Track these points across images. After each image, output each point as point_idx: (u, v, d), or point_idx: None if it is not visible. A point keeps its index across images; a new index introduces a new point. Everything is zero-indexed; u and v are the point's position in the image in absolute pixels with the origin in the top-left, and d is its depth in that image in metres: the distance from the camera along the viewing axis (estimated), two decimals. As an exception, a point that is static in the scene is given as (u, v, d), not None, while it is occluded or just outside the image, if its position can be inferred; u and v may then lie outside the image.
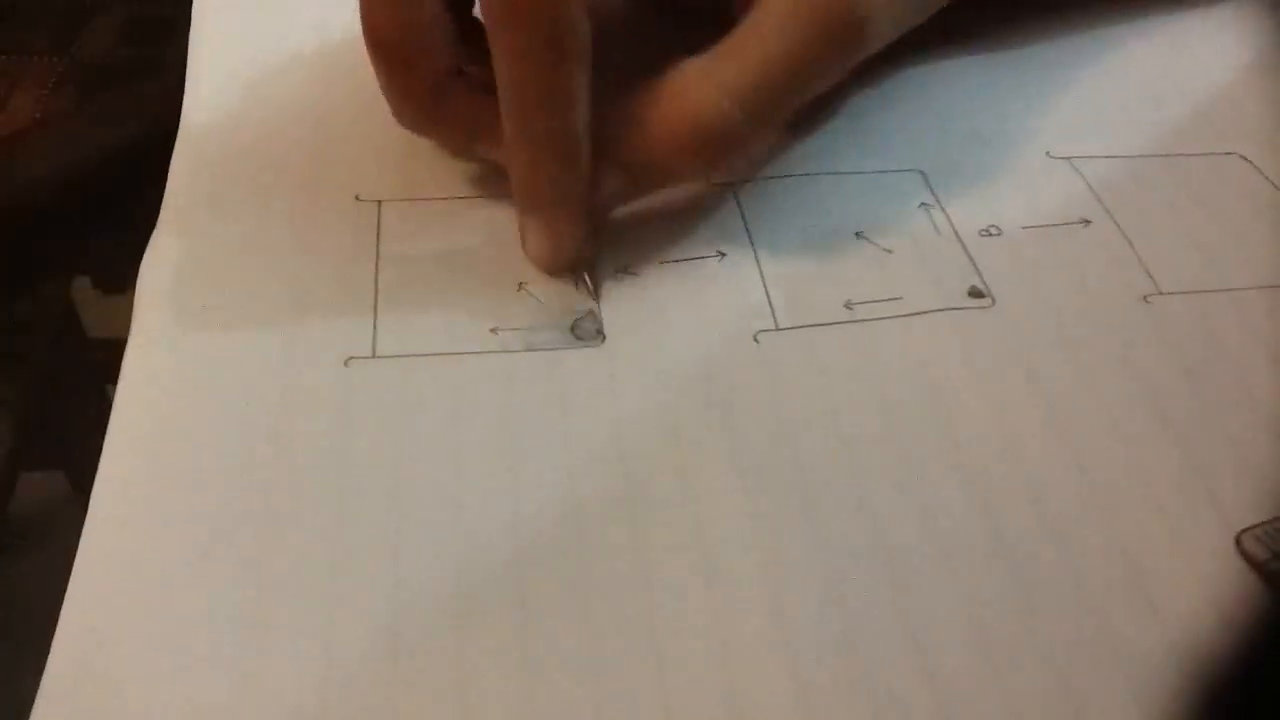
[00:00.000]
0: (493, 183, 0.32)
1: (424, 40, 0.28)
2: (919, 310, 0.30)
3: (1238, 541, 0.25)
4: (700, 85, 0.28)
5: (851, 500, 0.26)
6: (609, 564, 0.24)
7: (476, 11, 0.30)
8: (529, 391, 0.27)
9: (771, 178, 0.33)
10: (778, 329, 0.29)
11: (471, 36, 0.29)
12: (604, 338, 0.29)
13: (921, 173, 0.33)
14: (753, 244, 0.31)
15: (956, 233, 0.32)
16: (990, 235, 0.32)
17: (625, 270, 0.30)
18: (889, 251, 0.31)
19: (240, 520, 0.25)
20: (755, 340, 0.29)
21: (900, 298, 0.30)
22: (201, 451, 0.26)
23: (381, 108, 0.31)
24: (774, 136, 0.34)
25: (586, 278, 0.30)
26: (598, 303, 0.29)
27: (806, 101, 0.29)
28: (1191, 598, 0.24)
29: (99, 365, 0.38)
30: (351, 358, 0.28)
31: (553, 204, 0.29)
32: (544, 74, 0.27)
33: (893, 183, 0.33)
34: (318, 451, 0.26)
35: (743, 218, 0.32)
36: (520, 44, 0.26)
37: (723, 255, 0.31)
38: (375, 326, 0.28)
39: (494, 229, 0.31)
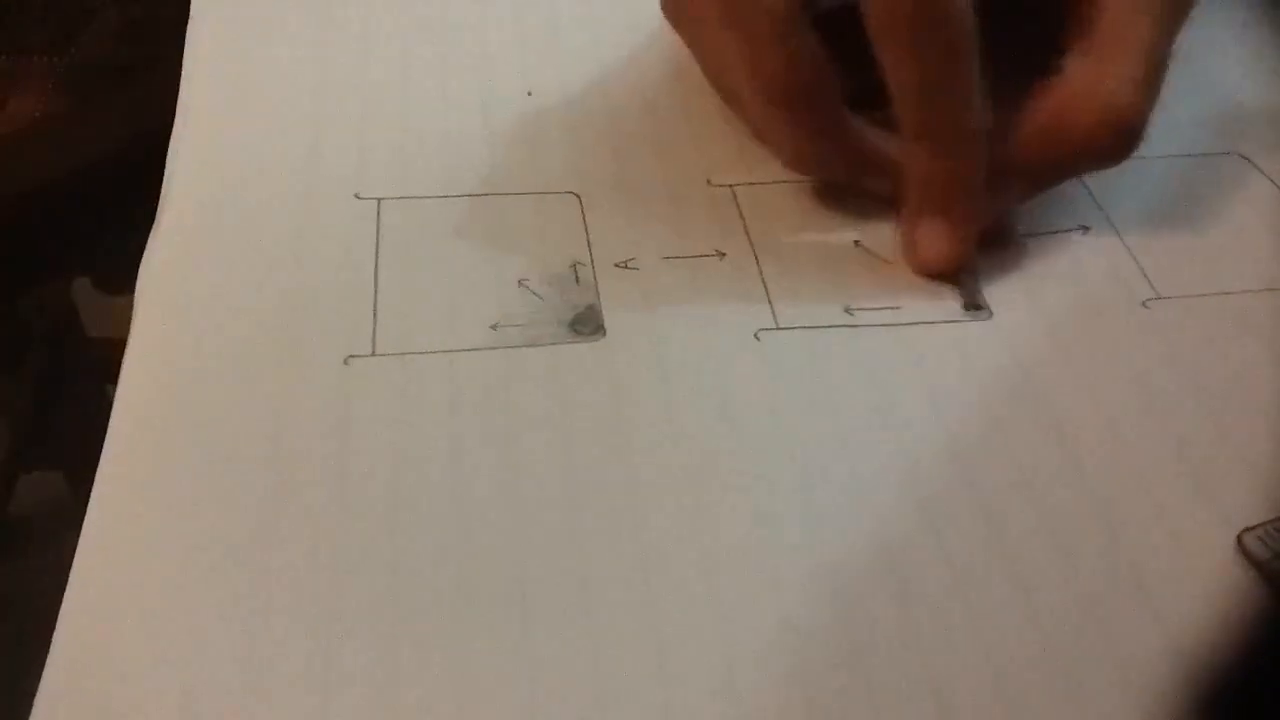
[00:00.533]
0: (493, 180, 0.32)
1: (816, 75, 0.28)
2: (918, 320, 0.29)
3: (1239, 541, 0.25)
4: (1106, 83, 0.28)
5: (851, 500, 0.26)
6: (609, 560, 0.24)
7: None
8: (529, 388, 0.27)
9: (770, 182, 0.33)
10: (778, 328, 0.29)
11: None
12: (604, 333, 0.29)
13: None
14: (752, 245, 0.31)
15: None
16: (988, 240, 0.32)
17: (625, 265, 0.30)
18: (889, 262, 0.31)
19: (240, 519, 0.25)
20: (756, 338, 0.29)
21: (899, 306, 0.30)
22: (202, 451, 0.26)
23: (381, 105, 0.31)
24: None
25: (973, 281, 0.30)
26: (982, 305, 0.30)
27: None
28: (1193, 598, 0.24)
29: (99, 365, 0.38)
30: (351, 355, 0.28)
31: (954, 204, 0.29)
32: (943, 69, 0.27)
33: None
34: (318, 448, 0.26)
35: (742, 219, 0.32)
36: (917, 42, 0.27)
37: (722, 255, 0.31)
38: (375, 324, 0.28)
39: (494, 226, 0.31)
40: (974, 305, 0.29)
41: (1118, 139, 0.29)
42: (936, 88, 0.28)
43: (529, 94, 0.35)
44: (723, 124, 0.34)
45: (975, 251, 0.30)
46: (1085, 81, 0.29)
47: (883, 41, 0.27)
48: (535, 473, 0.26)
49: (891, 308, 0.30)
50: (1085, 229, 0.32)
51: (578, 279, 0.30)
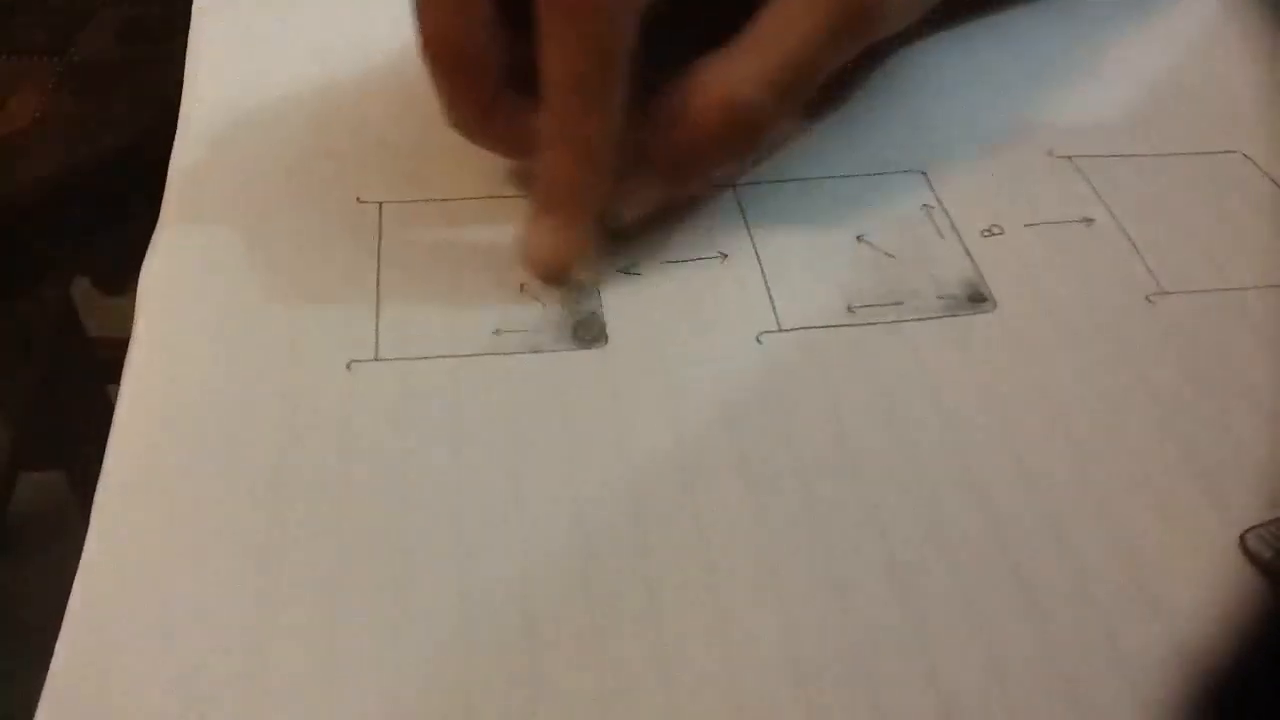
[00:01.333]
0: (495, 184, 0.32)
1: (480, 45, 0.28)
2: (921, 316, 0.29)
3: (1241, 541, 0.25)
4: (727, 77, 0.29)
5: (855, 502, 0.26)
6: (614, 565, 0.24)
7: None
8: (532, 394, 0.27)
9: (773, 181, 0.33)
10: (780, 330, 0.29)
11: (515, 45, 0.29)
12: (607, 339, 0.29)
13: (924, 174, 0.33)
14: (755, 246, 0.31)
15: (958, 234, 0.32)
16: (992, 235, 0.32)
17: (627, 270, 0.30)
18: (891, 256, 0.31)
19: (242, 522, 0.25)
20: (758, 341, 0.29)
21: (901, 303, 0.30)
22: (205, 453, 0.26)
23: (383, 108, 0.31)
24: (794, 120, 0.34)
25: (583, 295, 0.30)
26: (593, 304, 0.29)
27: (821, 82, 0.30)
28: (1195, 598, 0.24)
29: (100, 365, 0.38)
30: (354, 360, 0.28)
31: (571, 207, 0.29)
32: (594, 75, 0.27)
33: (894, 184, 0.33)
34: (320, 454, 0.26)
35: (744, 220, 0.32)
36: (574, 42, 0.27)
37: (724, 256, 0.31)
38: (377, 329, 0.28)
39: (496, 231, 0.31)
40: (584, 328, 0.29)
41: (735, 130, 0.29)
42: (585, 95, 0.28)
43: None
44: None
45: (590, 260, 0.30)
46: (713, 73, 0.29)
47: (546, 32, 0.27)
48: (537, 478, 0.26)
49: (894, 303, 0.30)
50: (1089, 221, 0.32)
51: (563, 293, 0.30)
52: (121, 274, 0.31)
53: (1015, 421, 0.27)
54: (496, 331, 0.29)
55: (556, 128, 0.28)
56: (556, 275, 0.30)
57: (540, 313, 0.29)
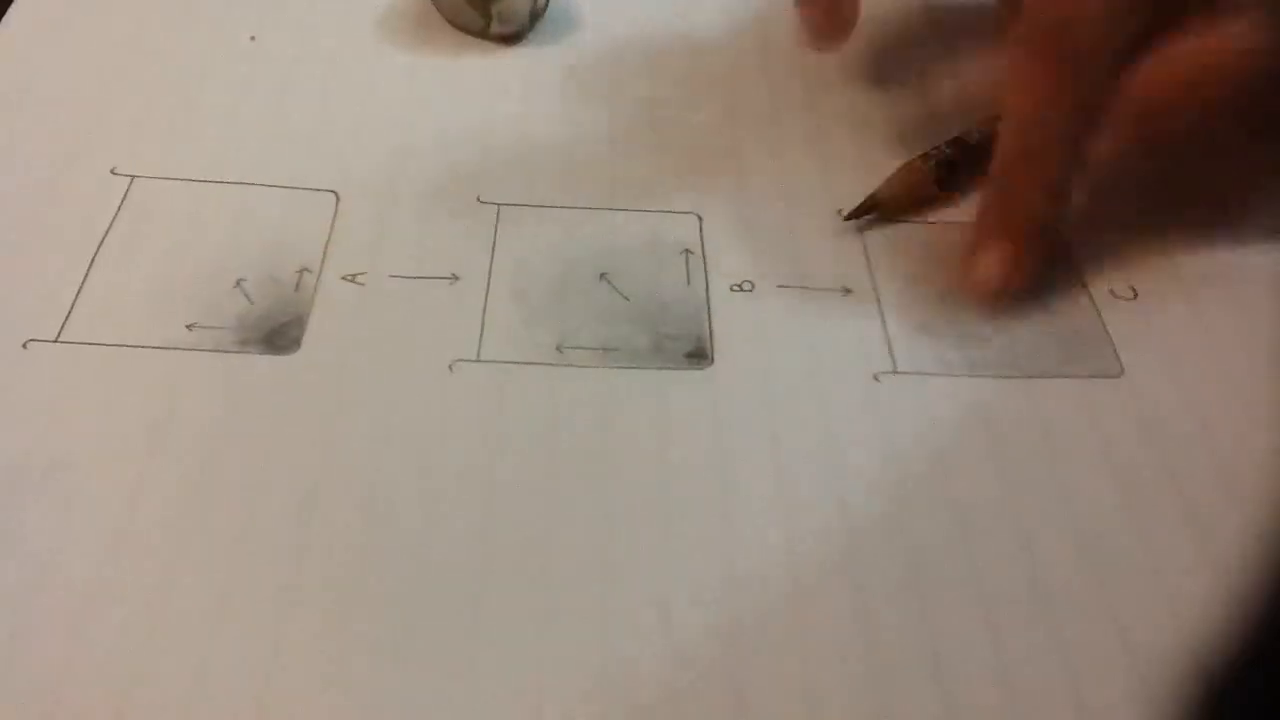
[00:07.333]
0: (250, 171, 0.32)
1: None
2: (630, 365, 0.29)
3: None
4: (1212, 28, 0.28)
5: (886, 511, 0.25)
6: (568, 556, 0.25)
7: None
8: (633, 409, 0.27)
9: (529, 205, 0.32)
10: (478, 361, 0.28)
11: None
12: (712, 360, 0.29)
13: (699, 216, 0.32)
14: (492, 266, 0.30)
15: (707, 284, 0.31)
16: (741, 291, 0.31)
17: (739, 287, 0.30)
18: (626, 299, 0.30)
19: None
20: (450, 371, 0.28)
21: (615, 349, 0.29)
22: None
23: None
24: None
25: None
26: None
27: None
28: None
29: None
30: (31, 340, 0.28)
31: (1025, 234, 0.29)
32: (1062, 118, 0.28)
33: (663, 224, 0.32)
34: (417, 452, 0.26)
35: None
36: (1043, 88, 0.28)
37: (455, 278, 0.30)
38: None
39: (236, 215, 0.30)
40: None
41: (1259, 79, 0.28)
42: (1039, 128, 0.28)
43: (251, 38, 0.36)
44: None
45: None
46: (1196, 31, 0.28)
47: (1010, 63, 0.28)
48: (631, 486, 0.26)
49: (607, 350, 0.29)
50: (848, 291, 0.31)
51: (299, 286, 0.29)
52: None
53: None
54: (189, 327, 0.28)
55: (1018, 160, 0.29)
56: (1002, 300, 0.29)
57: (246, 309, 0.29)
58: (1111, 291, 0.31)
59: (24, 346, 0.27)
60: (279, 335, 0.28)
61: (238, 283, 0.29)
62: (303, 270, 0.30)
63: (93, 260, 0.29)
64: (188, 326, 0.28)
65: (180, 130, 0.33)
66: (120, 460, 0.25)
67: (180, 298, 0.29)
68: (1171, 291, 0.31)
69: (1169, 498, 0.26)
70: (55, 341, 0.28)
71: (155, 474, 0.25)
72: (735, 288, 0.31)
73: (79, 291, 0.29)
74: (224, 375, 0.27)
